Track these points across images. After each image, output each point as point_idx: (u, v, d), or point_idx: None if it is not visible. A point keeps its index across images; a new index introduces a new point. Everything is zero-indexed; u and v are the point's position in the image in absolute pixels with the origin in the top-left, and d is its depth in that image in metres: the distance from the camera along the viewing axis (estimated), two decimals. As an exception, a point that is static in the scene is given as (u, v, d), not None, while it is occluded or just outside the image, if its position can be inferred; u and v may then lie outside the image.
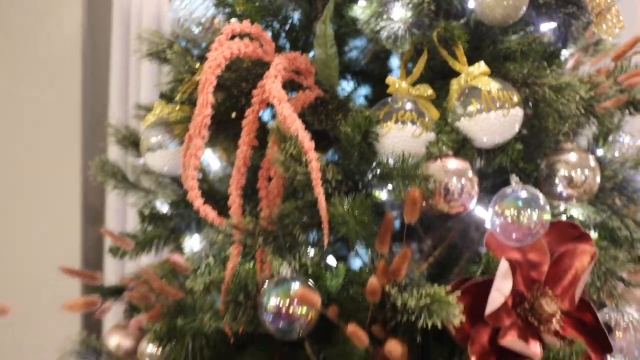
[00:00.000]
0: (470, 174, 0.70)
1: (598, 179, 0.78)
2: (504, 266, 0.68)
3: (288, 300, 0.65)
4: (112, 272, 1.65)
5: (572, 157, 0.78)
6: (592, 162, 0.78)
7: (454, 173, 0.69)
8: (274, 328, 0.65)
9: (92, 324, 1.60)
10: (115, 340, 0.99)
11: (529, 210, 0.69)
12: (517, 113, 0.71)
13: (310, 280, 0.68)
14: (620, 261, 0.78)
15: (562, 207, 0.83)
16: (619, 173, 0.82)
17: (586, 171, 0.77)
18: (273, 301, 0.65)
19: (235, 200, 0.71)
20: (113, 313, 1.09)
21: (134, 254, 0.91)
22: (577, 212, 0.83)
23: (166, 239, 0.92)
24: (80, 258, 1.67)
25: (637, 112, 0.94)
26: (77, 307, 0.67)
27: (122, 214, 1.68)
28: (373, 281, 0.60)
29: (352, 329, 0.57)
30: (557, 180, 0.77)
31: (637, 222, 0.81)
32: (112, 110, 1.56)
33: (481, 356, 0.68)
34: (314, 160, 0.63)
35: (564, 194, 0.78)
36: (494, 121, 0.70)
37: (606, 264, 0.76)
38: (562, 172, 0.77)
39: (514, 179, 0.72)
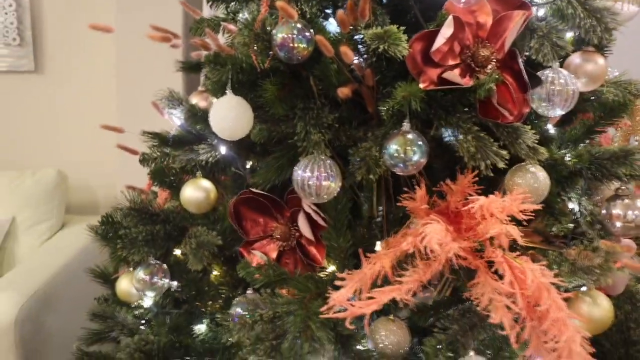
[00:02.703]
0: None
1: (546, -37, 0.98)
2: (449, 19, 0.93)
3: (290, 35, 0.94)
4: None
5: (528, -57, 0.98)
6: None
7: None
8: (281, 54, 0.96)
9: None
10: (195, 100, 1.36)
11: (475, -21, 0.93)
12: None
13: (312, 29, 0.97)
14: (560, 30, 0.99)
15: None
16: (570, -38, 1.01)
17: (537, -44, 0.98)
18: (280, 36, 0.94)
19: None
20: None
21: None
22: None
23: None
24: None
25: None
26: (157, 38, 1.01)
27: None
28: (340, 13, 0.88)
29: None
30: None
31: (581, 2, 1.00)
32: None
33: (429, 84, 0.95)
34: None
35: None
36: None
37: (545, 31, 0.98)
38: (518, -44, 0.98)
39: (468, -44, 0.95)
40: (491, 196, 0.92)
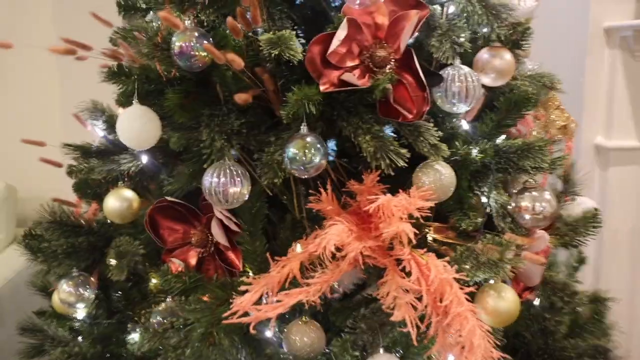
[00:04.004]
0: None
1: (443, -38, 1.00)
2: (344, 22, 0.94)
3: (188, 43, 0.94)
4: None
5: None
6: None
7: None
8: (181, 63, 0.96)
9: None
10: (121, 110, 1.36)
11: (368, -20, 0.94)
12: None
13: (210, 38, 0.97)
14: (460, 27, 1.00)
15: None
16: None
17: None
18: (178, 44, 0.95)
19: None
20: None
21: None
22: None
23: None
24: None
25: None
26: (59, 51, 1.00)
27: None
28: (230, 20, 0.88)
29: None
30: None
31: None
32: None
33: (329, 86, 0.95)
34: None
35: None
36: None
37: (445, 29, 0.99)
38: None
39: (361, -43, 0.96)
40: (389, 195, 0.93)
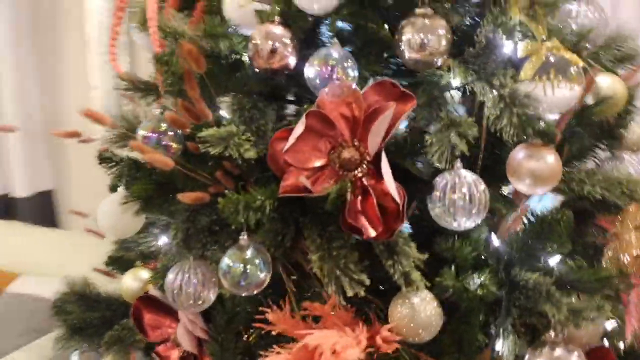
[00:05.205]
0: (287, 40, 0.82)
1: (444, 42, 0.79)
2: (302, 117, 0.79)
3: (151, 132, 0.88)
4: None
5: (420, 21, 0.80)
6: (442, 30, 0.79)
7: (272, 37, 0.82)
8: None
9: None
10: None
11: (339, 66, 0.79)
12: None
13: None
14: (464, 123, 0.78)
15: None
16: (482, 38, 0.80)
17: (429, 35, 0.79)
18: (142, 132, 0.89)
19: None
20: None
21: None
22: (456, 81, 0.84)
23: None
24: None
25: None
26: (60, 135, 1.01)
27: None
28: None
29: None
30: (402, 45, 0.81)
31: (491, 83, 0.78)
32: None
33: (290, 189, 0.81)
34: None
35: (411, 58, 0.81)
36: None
37: (447, 124, 0.79)
38: (407, 35, 0.80)
39: (334, 41, 0.81)
40: (327, 332, 0.75)
